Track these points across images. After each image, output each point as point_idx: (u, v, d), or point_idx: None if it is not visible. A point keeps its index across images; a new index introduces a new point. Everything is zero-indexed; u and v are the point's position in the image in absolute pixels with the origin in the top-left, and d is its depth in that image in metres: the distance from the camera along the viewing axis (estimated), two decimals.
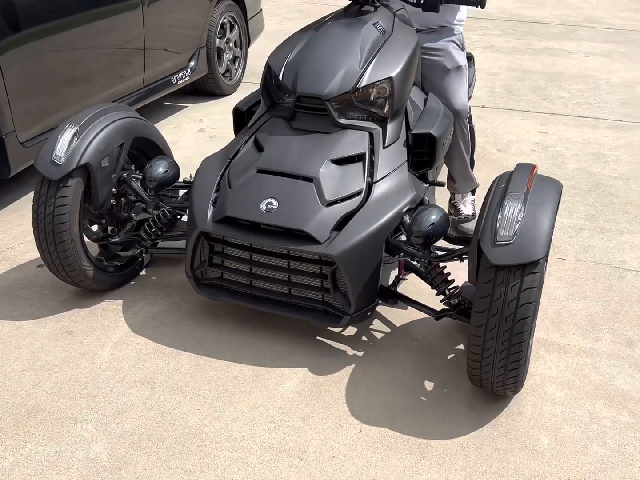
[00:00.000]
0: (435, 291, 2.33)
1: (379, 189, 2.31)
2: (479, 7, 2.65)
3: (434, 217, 2.17)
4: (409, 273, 2.48)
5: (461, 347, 2.46)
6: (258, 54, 5.86)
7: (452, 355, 2.42)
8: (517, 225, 1.90)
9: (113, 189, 2.59)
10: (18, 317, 2.58)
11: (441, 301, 2.32)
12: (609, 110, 5.18)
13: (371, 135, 2.42)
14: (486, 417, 2.13)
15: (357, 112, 2.44)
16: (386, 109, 2.44)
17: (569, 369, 2.37)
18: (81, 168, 2.42)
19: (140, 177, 2.66)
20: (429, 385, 2.27)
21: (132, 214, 2.73)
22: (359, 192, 2.29)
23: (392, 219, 2.25)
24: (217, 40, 5.03)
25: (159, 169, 2.53)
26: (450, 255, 2.25)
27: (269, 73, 2.58)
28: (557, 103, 5.32)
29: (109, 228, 2.72)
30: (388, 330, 2.54)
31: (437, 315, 2.32)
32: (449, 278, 2.29)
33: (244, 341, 2.46)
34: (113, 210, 2.68)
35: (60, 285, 2.74)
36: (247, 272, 2.40)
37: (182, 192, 2.73)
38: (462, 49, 3.16)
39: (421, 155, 2.58)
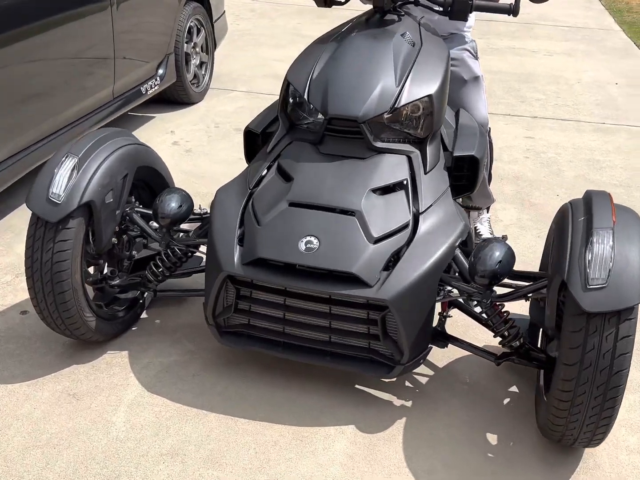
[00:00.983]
0: (482, 329, 2.13)
1: (426, 221, 2.08)
2: (512, 15, 2.44)
3: (498, 253, 1.95)
4: (452, 308, 2.25)
5: (514, 389, 2.26)
6: (219, 58, 5.55)
7: (507, 400, 2.21)
8: (611, 266, 1.69)
9: (116, 227, 2.26)
10: (9, 379, 2.22)
11: (500, 343, 2.10)
12: (587, 112, 5.10)
13: (410, 159, 2.18)
14: (564, 474, 1.93)
15: (393, 134, 2.19)
16: (424, 129, 2.20)
17: (634, 408, 2.19)
18: (83, 207, 2.09)
19: (144, 211, 2.34)
20: (492, 439, 2.05)
21: (134, 252, 2.42)
22: (405, 225, 2.04)
23: (445, 255, 2.02)
24: (185, 45, 4.69)
25: (172, 203, 2.21)
26: (515, 295, 2.03)
27: (288, 91, 2.30)
28: (536, 105, 5.21)
29: (108, 268, 2.39)
30: (431, 372, 2.32)
31: (498, 360, 2.10)
32: (508, 317, 2.07)
33: (275, 394, 2.19)
34: (114, 249, 2.34)
35: (52, 336, 2.40)
36: (280, 318, 2.12)
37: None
38: (477, 57, 2.95)
39: (459, 178, 2.36)
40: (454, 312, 2.27)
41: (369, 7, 2.54)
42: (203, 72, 5.08)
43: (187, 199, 2.27)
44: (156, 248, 2.46)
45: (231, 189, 2.26)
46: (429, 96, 2.18)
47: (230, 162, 4.01)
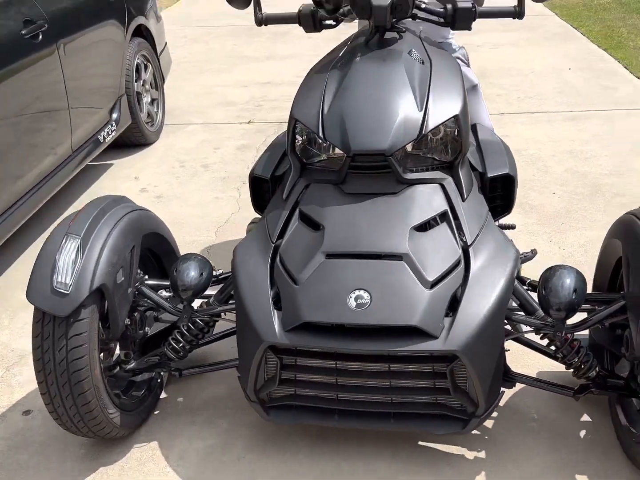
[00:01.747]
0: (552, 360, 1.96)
1: (478, 253, 1.89)
2: (518, 17, 2.30)
3: (570, 281, 1.78)
4: (507, 340, 2.07)
5: (586, 418, 2.09)
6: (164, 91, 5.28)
7: (584, 433, 2.04)
8: None
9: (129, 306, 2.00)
10: None
11: (575, 375, 1.93)
12: (552, 101, 5.05)
13: (443, 187, 1.99)
14: None
15: (421, 162, 2.00)
16: (453, 152, 2.02)
17: None
18: (94, 293, 1.82)
19: (155, 282, 2.09)
20: None
21: (147, 329, 2.16)
22: (458, 262, 1.85)
23: (507, 289, 1.83)
24: (134, 84, 4.40)
25: (191, 272, 1.96)
26: (590, 323, 1.87)
27: (297, 130, 2.09)
28: (499, 101, 5.13)
29: (121, 352, 2.12)
30: (494, 413, 2.13)
31: (577, 394, 1.93)
32: (580, 346, 1.90)
33: (340, 469, 1.95)
34: (127, 330, 2.07)
35: (67, 437, 2.11)
36: (333, 384, 1.90)
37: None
38: (469, 65, 2.81)
39: (492, 199, 2.19)
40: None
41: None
42: (156, 110, 4.81)
43: (205, 264, 2.02)
44: (169, 319, 2.21)
45: (251, 245, 2.03)
46: (455, 116, 2.00)
47: (206, 203, 3.76)
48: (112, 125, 4.06)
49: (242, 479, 1.95)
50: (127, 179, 4.14)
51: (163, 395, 2.30)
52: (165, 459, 2.03)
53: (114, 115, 4.12)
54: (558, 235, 3.16)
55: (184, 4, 10.15)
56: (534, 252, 2.43)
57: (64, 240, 1.85)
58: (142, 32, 4.62)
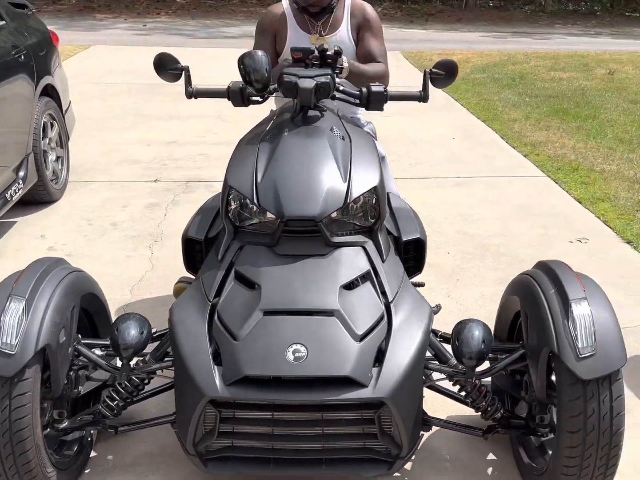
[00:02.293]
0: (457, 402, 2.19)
1: (398, 309, 2.11)
2: (423, 101, 2.61)
3: (478, 332, 2.03)
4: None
5: (492, 457, 2.33)
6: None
7: (491, 470, 2.28)
8: (595, 334, 1.84)
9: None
10: None
11: (483, 418, 2.17)
12: (441, 168, 5.51)
13: (365, 250, 2.21)
14: None
15: (345, 227, 2.22)
16: (373, 218, 2.26)
17: None
18: (39, 352, 1.87)
19: (91, 341, 2.15)
20: None
21: (80, 388, 2.19)
22: (382, 317, 2.06)
23: (425, 341, 2.06)
24: (42, 142, 4.41)
25: (131, 331, 2.04)
26: (495, 370, 2.12)
27: (230, 196, 2.25)
28: (394, 167, 5.42)
29: (55, 411, 2.14)
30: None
31: (485, 434, 2.16)
32: (487, 391, 2.15)
33: None
34: (63, 389, 2.10)
35: None
36: (269, 434, 2.02)
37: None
38: (376, 138, 3.10)
39: (406, 260, 2.44)
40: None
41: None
42: (60, 167, 4.80)
43: (144, 323, 2.11)
44: (101, 378, 2.26)
45: (187, 303, 2.15)
46: (374, 187, 2.25)
47: (118, 261, 3.80)
48: (19, 184, 4.04)
49: None
50: (33, 236, 4.09)
51: (93, 453, 2.32)
52: None
53: (21, 173, 4.10)
54: (455, 291, 3.48)
55: (78, 60, 10.13)
56: (438, 307, 2.70)
57: (8, 302, 1.89)
58: (48, 91, 4.65)
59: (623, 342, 1.87)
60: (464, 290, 3.49)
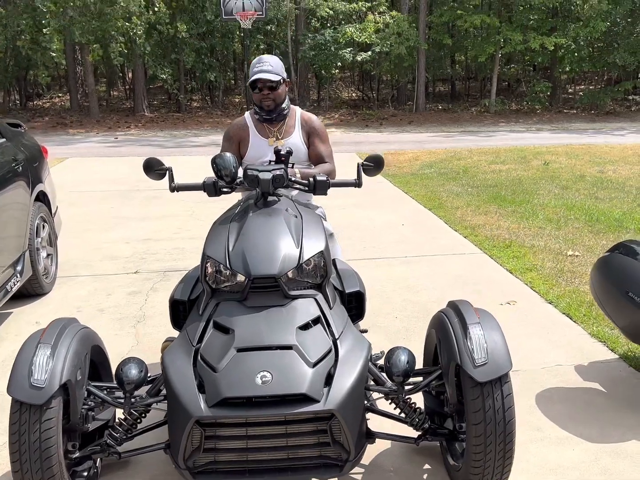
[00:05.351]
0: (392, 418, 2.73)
1: (343, 344, 2.69)
2: (357, 187, 3.30)
3: (404, 356, 2.62)
4: (367, 412, 2.84)
5: (427, 466, 2.86)
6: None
7: (426, 476, 2.80)
8: (486, 348, 2.45)
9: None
10: None
11: (415, 429, 2.72)
12: (391, 250, 6.20)
13: (316, 300, 2.82)
14: None
15: (299, 283, 2.83)
16: (320, 277, 2.88)
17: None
18: (62, 386, 2.40)
19: (99, 384, 2.67)
20: None
21: (89, 425, 2.70)
22: (330, 350, 2.64)
23: (365, 367, 2.63)
24: (35, 240, 5.00)
25: (132, 370, 2.59)
26: (420, 387, 2.69)
27: (207, 263, 2.86)
28: (349, 250, 6.18)
29: (69, 443, 2.63)
30: (361, 469, 2.84)
31: (417, 441, 2.71)
32: (416, 406, 2.71)
33: None
34: (77, 423, 2.61)
35: None
36: (243, 448, 2.54)
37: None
38: (326, 219, 3.78)
39: (350, 310, 3.05)
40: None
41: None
42: (50, 263, 5.37)
43: (142, 364, 2.66)
44: (105, 418, 2.77)
45: (176, 349, 2.70)
46: (321, 252, 2.88)
47: (110, 340, 4.27)
48: (17, 277, 4.59)
49: None
50: (29, 323, 4.60)
51: None
52: None
53: (18, 268, 4.66)
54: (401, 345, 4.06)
55: (55, 171, 10.84)
56: (382, 353, 3.29)
57: (37, 349, 2.44)
58: (40, 197, 5.29)
59: (509, 352, 2.48)
60: (409, 344, 4.05)
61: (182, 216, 7.54)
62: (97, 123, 19.70)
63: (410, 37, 21.15)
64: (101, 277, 5.56)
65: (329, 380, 2.55)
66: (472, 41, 22.77)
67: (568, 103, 24.59)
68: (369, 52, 21.85)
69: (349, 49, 21.88)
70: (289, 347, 2.58)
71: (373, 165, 3.28)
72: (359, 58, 22.02)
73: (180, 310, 3.03)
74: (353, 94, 27.61)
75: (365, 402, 2.68)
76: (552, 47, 20.83)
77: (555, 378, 3.63)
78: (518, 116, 21.99)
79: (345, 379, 2.55)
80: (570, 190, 8.86)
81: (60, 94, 26.71)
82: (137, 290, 5.21)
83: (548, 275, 5.34)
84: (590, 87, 26.36)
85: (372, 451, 2.93)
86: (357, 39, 21.49)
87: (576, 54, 21.90)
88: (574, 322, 4.43)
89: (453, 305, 2.72)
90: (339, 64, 22.15)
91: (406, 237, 6.59)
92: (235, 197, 3.96)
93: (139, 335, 4.37)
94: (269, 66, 3.44)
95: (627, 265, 3.36)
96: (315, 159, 3.67)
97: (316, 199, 3.88)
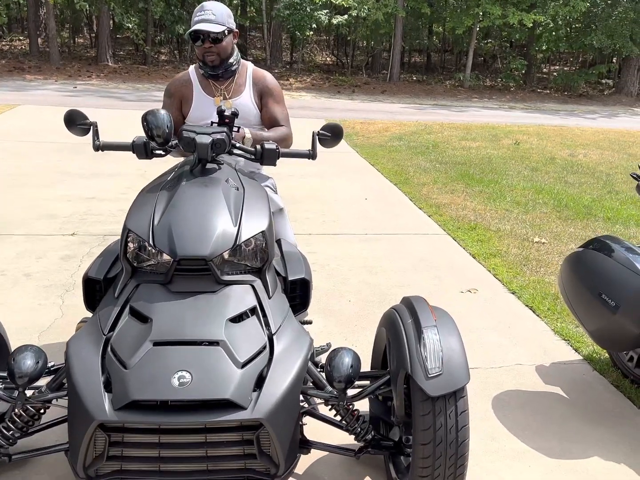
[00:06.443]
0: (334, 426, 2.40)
1: (280, 340, 2.33)
2: (311, 158, 2.91)
3: (348, 359, 2.27)
4: (305, 416, 2.50)
5: (367, 478, 2.54)
6: None
7: None
8: (442, 356, 2.11)
9: None
10: None
11: (356, 440, 2.39)
12: (351, 225, 5.85)
13: (253, 287, 2.45)
14: None
15: (235, 267, 2.45)
16: (261, 260, 2.50)
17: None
18: None
19: None
20: None
21: None
22: (264, 347, 2.28)
23: (302, 369, 2.28)
24: None
25: (27, 361, 2.19)
26: (364, 394, 2.35)
27: (129, 238, 2.46)
28: (308, 224, 5.83)
29: None
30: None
31: (358, 454, 2.38)
32: (359, 414, 2.38)
33: None
34: None
35: None
36: (155, 457, 2.18)
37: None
38: (276, 192, 3.39)
39: (293, 299, 2.68)
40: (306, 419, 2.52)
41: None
42: None
43: (40, 354, 2.26)
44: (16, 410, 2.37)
45: (83, 338, 2.31)
46: (262, 232, 2.50)
47: (32, 309, 3.89)
48: None
49: None
50: None
51: None
52: None
53: None
54: (351, 335, 3.73)
55: (3, 118, 10.19)
56: (328, 345, 2.95)
57: None
58: None
59: (467, 363, 2.15)
60: (360, 334, 3.74)
61: (133, 175, 7.06)
62: (56, 70, 18.81)
63: (389, 3, 20.59)
64: (33, 238, 5.10)
65: (260, 383, 2.19)
66: (450, 12, 22.28)
67: (542, 83, 24.39)
68: (346, 16, 21.23)
69: (325, 11, 21.21)
70: (216, 343, 2.21)
71: (330, 135, 2.89)
72: (334, 21, 21.39)
73: (97, 290, 2.63)
74: (327, 59, 26.99)
75: (303, 404, 2.34)
76: (531, 25, 20.50)
77: (515, 379, 3.34)
78: (492, 92, 21.70)
79: (279, 383, 2.19)
80: (539, 172, 8.60)
81: (21, 37, 25.52)
82: (72, 255, 4.78)
83: (512, 262, 5.05)
84: (565, 69, 26.21)
85: (308, 459, 2.60)
86: (334, 1, 20.82)
87: (554, 33, 21.63)
88: (537, 316, 4.15)
89: (407, 303, 2.38)
90: (314, 25, 21.47)
91: (368, 213, 6.24)
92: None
93: (64, 306, 3.96)
94: (211, 15, 3.00)
95: (601, 263, 3.05)
96: (269, 122, 3.25)
97: (267, 168, 3.48)
